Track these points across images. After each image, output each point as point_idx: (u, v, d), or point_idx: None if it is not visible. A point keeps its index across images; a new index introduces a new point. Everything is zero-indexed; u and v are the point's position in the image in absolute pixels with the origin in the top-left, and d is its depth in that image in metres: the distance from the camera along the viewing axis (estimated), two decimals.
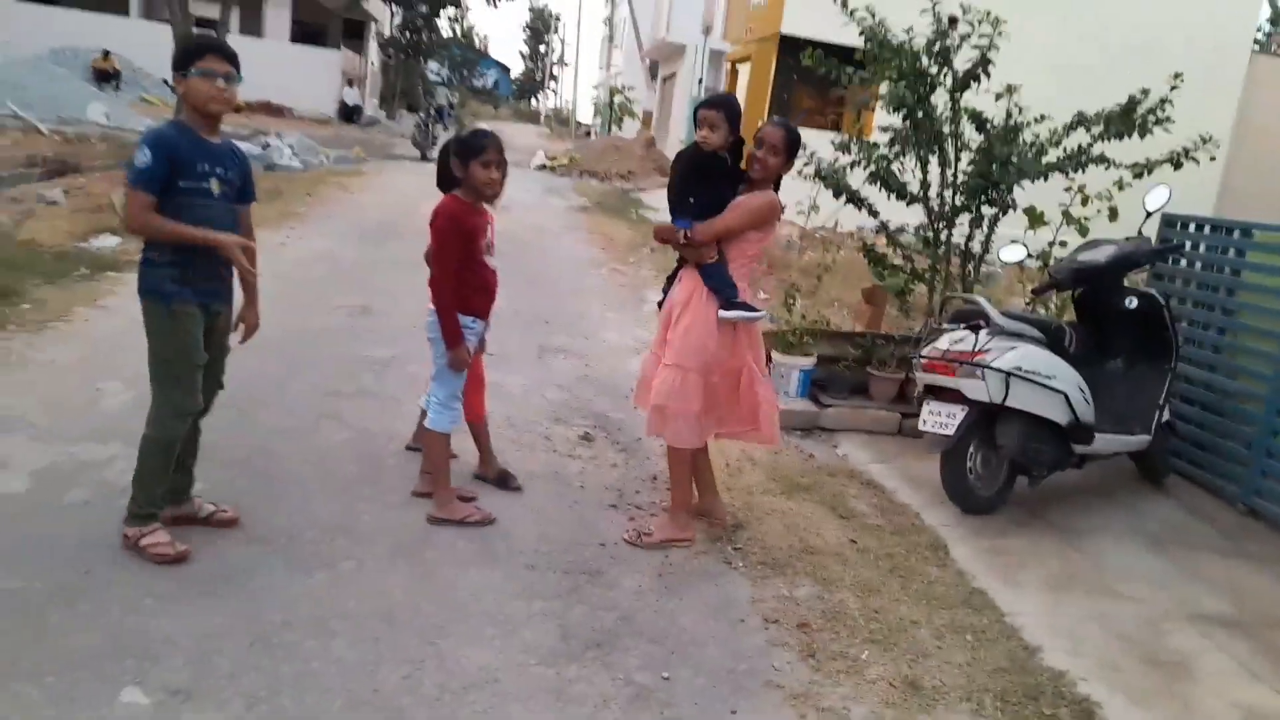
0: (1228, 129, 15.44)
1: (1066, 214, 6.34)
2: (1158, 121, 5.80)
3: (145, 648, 2.83)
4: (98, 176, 12.16)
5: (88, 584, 3.12)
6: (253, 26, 29.43)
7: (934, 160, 6.17)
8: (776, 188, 4.00)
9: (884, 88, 6.07)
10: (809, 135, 6.91)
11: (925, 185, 6.23)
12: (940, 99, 6.05)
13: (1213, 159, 5.54)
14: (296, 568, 3.42)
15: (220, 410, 3.81)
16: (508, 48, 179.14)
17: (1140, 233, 5.34)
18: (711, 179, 3.89)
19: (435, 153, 18.96)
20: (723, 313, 3.83)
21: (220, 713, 2.61)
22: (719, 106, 3.84)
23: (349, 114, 30.50)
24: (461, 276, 3.86)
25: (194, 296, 3.32)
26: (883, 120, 6.42)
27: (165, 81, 25.60)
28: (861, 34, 6.10)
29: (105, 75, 24.23)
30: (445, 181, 3.95)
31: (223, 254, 3.29)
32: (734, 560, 4.00)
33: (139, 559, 3.30)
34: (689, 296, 3.92)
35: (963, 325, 4.79)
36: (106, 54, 24.56)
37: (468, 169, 3.78)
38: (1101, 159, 5.82)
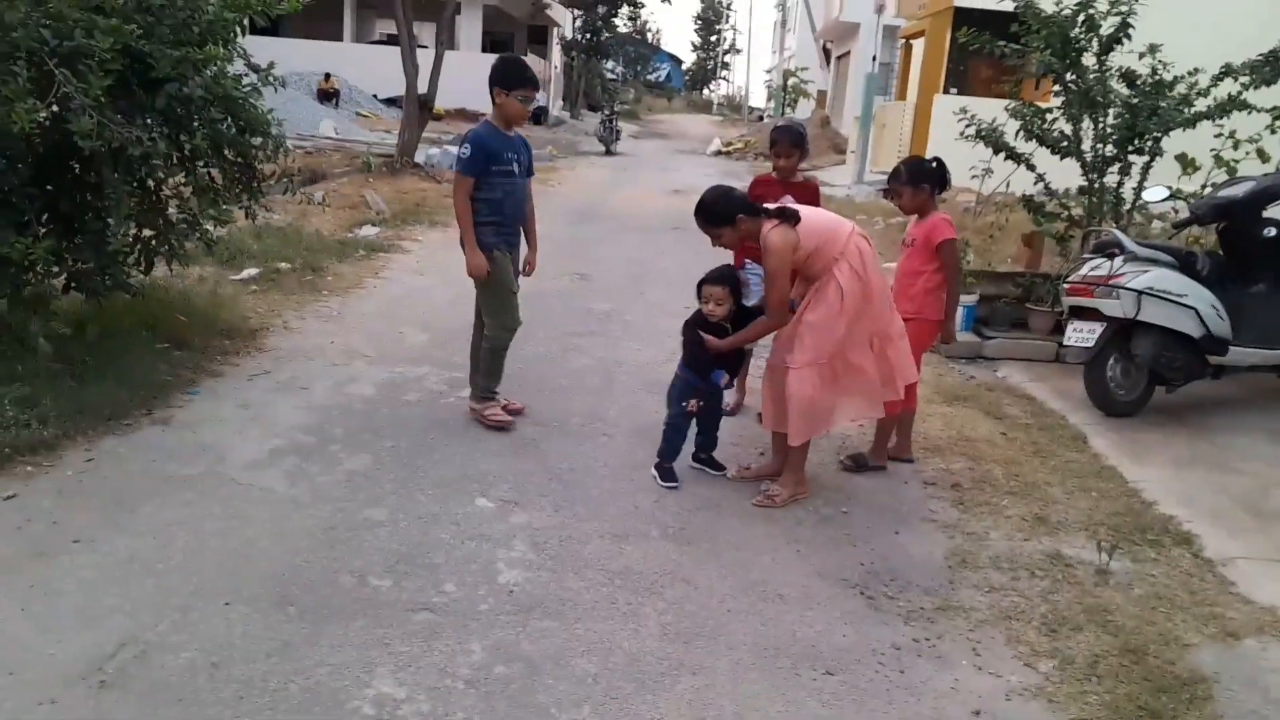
0: None
1: (1217, 158, 6.86)
2: None
3: (482, 479, 4.15)
4: (344, 181, 14.17)
5: (436, 445, 4.50)
6: (447, 39, 31.97)
7: (1086, 117, 6.83)
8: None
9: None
10: (987, 105, 7.69)
11: (1078, 138, 6.90)
12: (1089, 61, 6.72)
13: None
14: (570, 439, 4.70)
15: None
16: (679, 39, 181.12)
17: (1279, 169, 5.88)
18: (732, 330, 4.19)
19: (618, 147, 20.51)
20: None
21: (539, 512, 3.88)
22: (724, 281, 4.18)
23: (536, 115, 32.49)
24: None
25: (506, 246, 4.66)
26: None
27: (375, 96, 28.54)
28: (1016, 8, 6.84)
29: (327, 95, 27.06)
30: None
31: (471, 262, 4.57)
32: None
33: (468, 433, 4.66)
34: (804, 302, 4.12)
35: (1101, 254, 5.55)
36: (328, 76, 27.41)
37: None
38: (1244, 105, 6.33)
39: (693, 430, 4.40)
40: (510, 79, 4.54)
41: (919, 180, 4.52)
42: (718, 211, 4.03)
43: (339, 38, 31.87)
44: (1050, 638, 3.24)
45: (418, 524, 3.70)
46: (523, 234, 4.89)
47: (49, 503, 3.65)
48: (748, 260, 5.12)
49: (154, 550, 3.38)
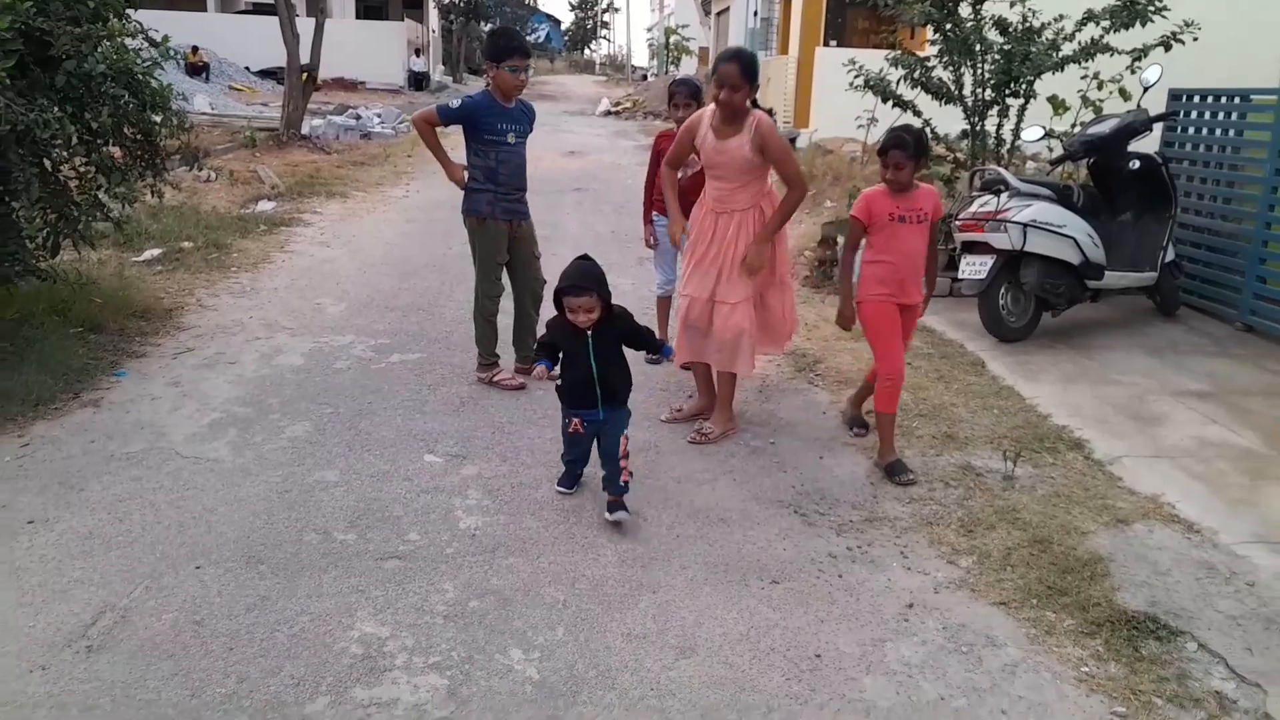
0: None
1: (1084, 98, 7.36)
2: (1156, 11, 6.75)
3: (427, 436, 4.28)
4: (229, 157, 13.76)
5: (374, 408, 4.59)
6: (325, 6, 30.93)
7: (965, 64, 7.23)
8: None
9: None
10: (866, 55, 8.03)
11: (959, 85, 7.30)
12: (966, 11, 7.10)
13: (1195, 39, 6.47)
14: (506, 394, 4.87)
15: (409, 311, 5.20)
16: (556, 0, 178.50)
17: (1139, 106, 6.38)
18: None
19: None
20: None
21: (487, 463, 4.04)
22: (589, 288, 3.48)
23: (418, 81, 31.87)
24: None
25: (501, 215, 4.78)
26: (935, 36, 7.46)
27: (248, 69, 27.48)
28: None
29: (196, 69, 25.90)
30: None
31: (449, 175, 4.76)
32: (815, 381, 5.30)
33: (404, 396, 4.75)
34: (736, 235, 4.26)
35: (988, 192, 5.95)
36: (195, 49, 26.20)
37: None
38: (1106, 48, 6.81)
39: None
40: (498, 51, 4.67)
41: (923, 153, 4.07)
42: (754, 68, 4.11)
43: (202, 8, 30.49)
44: (968, 537, 3.59)
45: (371, 481, 3.82)
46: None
47: None
48: (655, 215, 5.37)
49: (111, 525, 3.41)
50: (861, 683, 2.75)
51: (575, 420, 3.65)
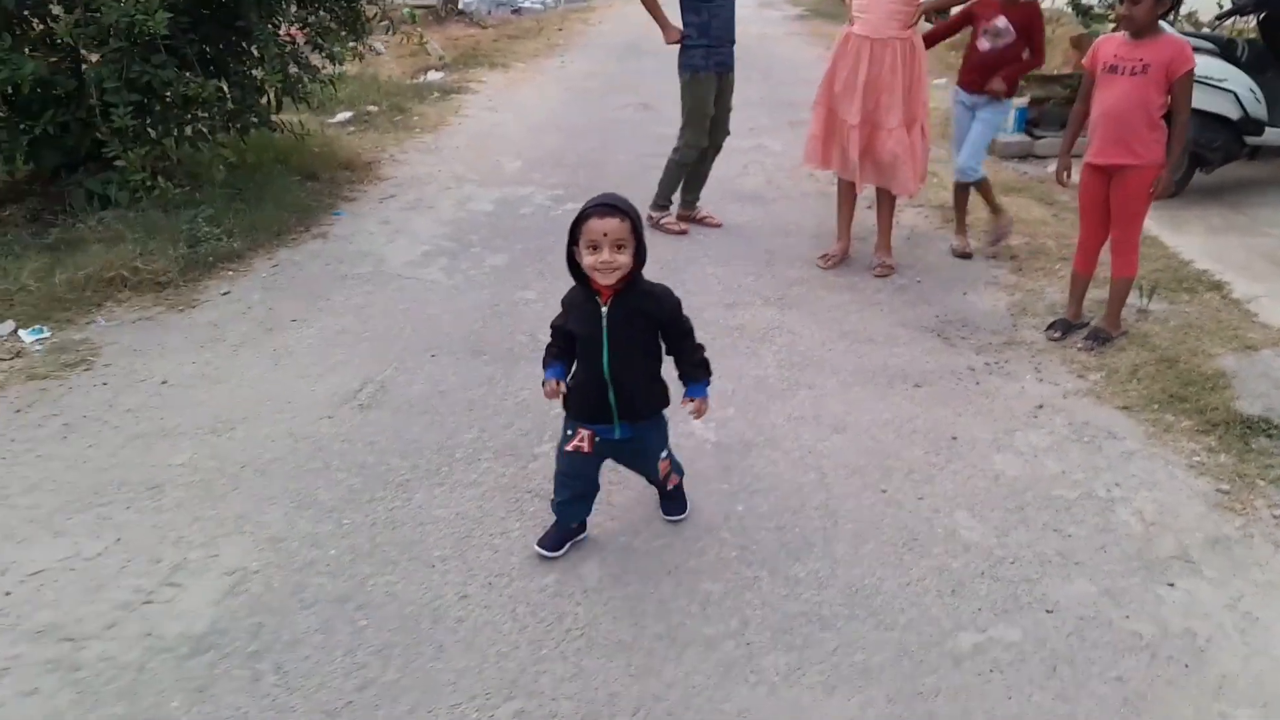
0: None
1: None
2: None
3: None
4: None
5: (559, 245, 5.11)
6: None
7: None
8: None
9: None
10: None
11: None
12: None
13: None
14: (672, 238, 5.37)
15: (577, 167, 5.70)
16: None
17: None
18: None
19: None
20: None
21: None
22: (621, 212, 2.49)
23: None
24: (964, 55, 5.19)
25: (713, 69, 5.17)
26: None
27: None
28: None
29: None
30: None
31: (666, 36, 5.18)
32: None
33: None
34: (895, 62, 4.55)
35: None
36: None
37: None
38: None
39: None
40: None
41: None
42: None
43: None
44: (1099, 358, 3.94)
45: None
46: None
47: (258, 296, 4.42)
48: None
49: (357, 324, 4.15)
50: (992, 458, 3.22)
51: (582, 433, 2.57)
